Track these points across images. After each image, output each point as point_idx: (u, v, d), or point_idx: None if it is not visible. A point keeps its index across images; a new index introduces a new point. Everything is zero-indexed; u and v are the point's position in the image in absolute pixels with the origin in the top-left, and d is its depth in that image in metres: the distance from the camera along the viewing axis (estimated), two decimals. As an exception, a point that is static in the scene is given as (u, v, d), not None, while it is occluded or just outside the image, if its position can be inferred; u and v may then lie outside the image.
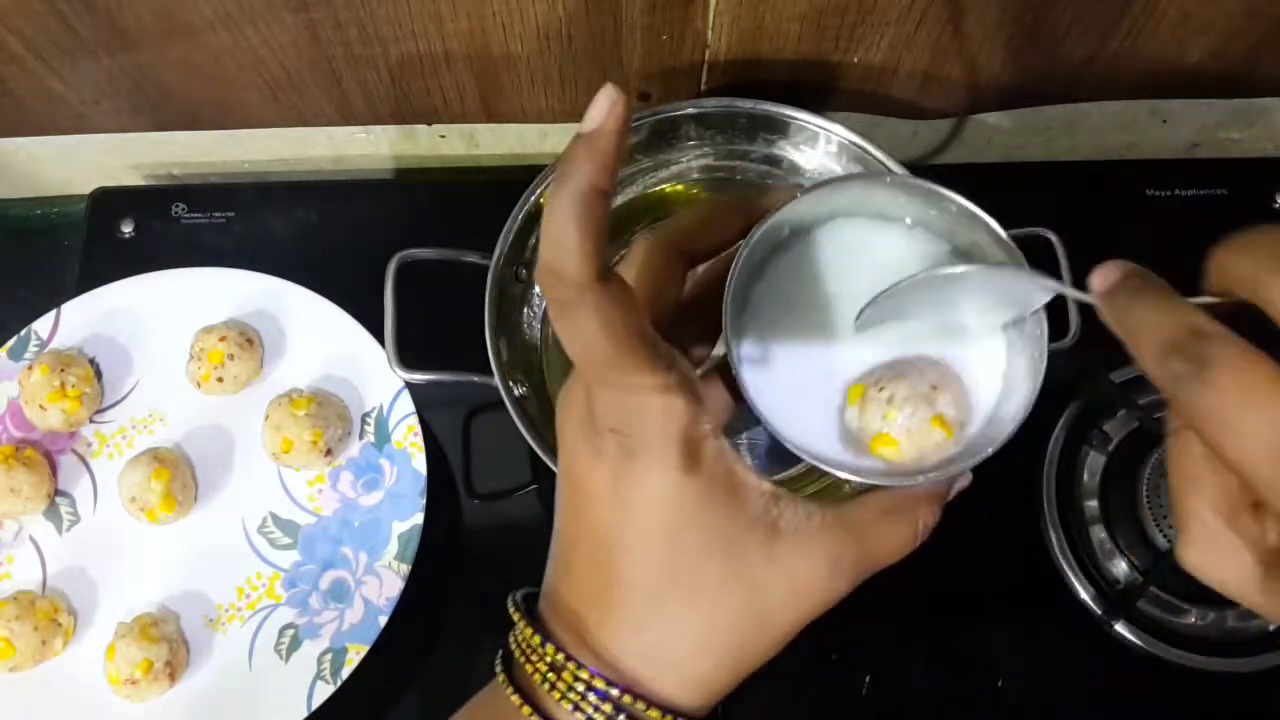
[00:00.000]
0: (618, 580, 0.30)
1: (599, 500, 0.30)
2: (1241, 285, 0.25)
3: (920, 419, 0.30)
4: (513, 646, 0.32)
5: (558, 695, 0.29)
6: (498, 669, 0.32)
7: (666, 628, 0.30)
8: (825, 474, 0.57)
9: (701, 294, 0.33)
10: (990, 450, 0.30)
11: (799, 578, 0.29)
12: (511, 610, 0.32)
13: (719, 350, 0.31)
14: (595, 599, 0.30)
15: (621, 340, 0.27)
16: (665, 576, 0.29)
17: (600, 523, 0.30)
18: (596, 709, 0.29)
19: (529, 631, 0.31)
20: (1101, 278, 0.27)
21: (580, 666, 0.29)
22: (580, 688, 0.29)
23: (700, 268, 0.34)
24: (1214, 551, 0.25)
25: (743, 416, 0.32)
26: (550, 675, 0.30)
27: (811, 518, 0.30)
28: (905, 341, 0.32)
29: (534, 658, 0.30)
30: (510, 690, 0.31)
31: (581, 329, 0.27)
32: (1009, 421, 0.31)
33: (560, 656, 0.30)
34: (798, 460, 0.58)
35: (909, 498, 0.31)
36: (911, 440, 0.30)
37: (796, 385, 0.32)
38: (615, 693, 0.29)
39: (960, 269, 0.30)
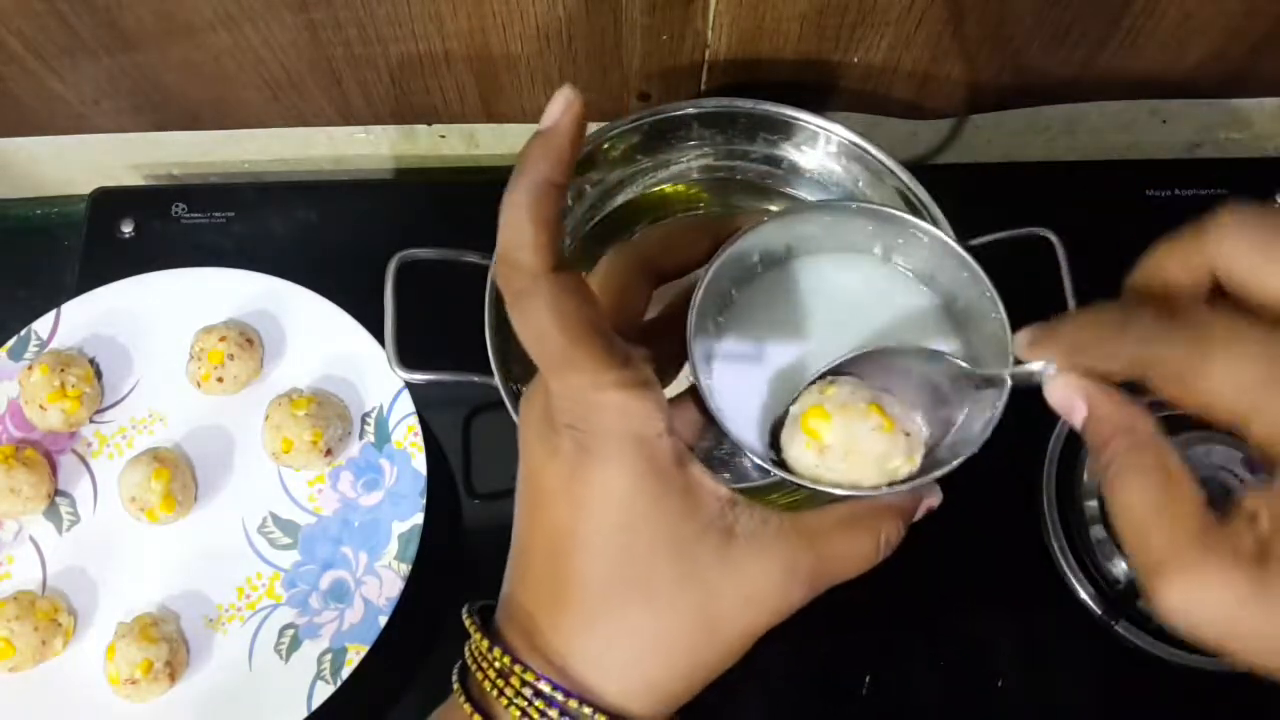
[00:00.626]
0: (569, 580, 0.29)
1: (554, 498, 0.29)
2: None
3: (858, 398, 0.30)
4: (467, 656, 0.31)
5: (505, 701, 0.29)
6: (454, 681, 0.31)
7: (615, 628, 0.29)
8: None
9: (672, 314, 0.33)
10: (955, 463, 0.30)
11: (753, 584, 0.29)
12: (465, 618, 0.32)
13: (688, 370, 0.31)
14: (548, 600, 0.30)
15: (576, 333, 0.27)
16: (616, 577, 0.29)
17: (554, 522, 0.30)
18: (543, 714, 0.28)
19: (479, 637, 0.30)
20: (1027, 333, 0.28)
21: (527, 670, 0.29)
22: (527, 693, 0.29)
23: (669, 288, 0.33)
24: (1198, 577, 0.23)
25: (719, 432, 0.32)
26: (499, 681, 0.29)
27: (768, 523, 0.29)
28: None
29: (484, 664, 0.30)
30: (463, 700, 0.30)
31: (535, 319, 0.27)
32: (975, 437, 0.30)
33: (507, 660, 0.29)
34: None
35: (872, 510, 0.30)
36: (844, 415, 0.29)
37: (761, 404, 0.32)
38: (561, 697, 0.29)
39: (907, 350, 0.31)
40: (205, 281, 0.62)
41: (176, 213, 0.66)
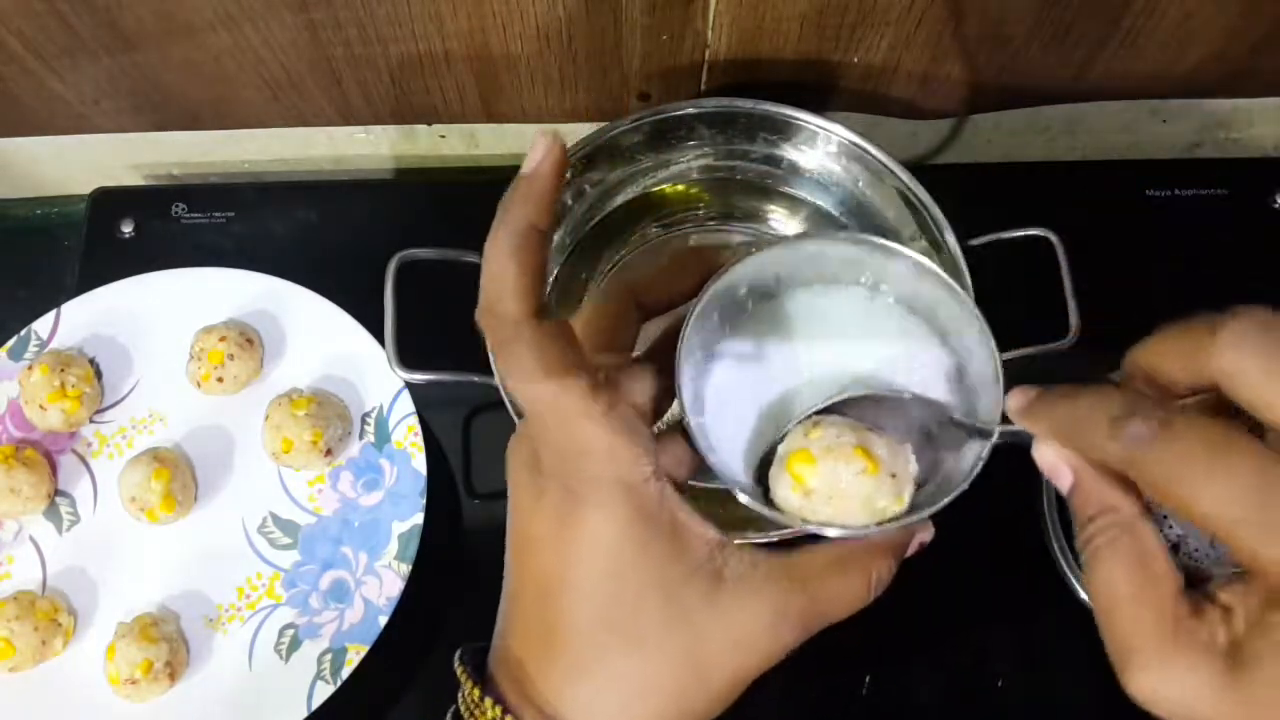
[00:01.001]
0: (558, 626, 0.29)
1: (542, 545, 0.29)
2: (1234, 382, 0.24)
3: (843, 442, 0.29)
4: (460, 704, 0.31)
5: None
6: None
7: (604, 675, 0.29)
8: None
9: (661, 349, 0.32)
10: (943, 502, 0.29)
11: (741, 627, 0.28)
12: (456, 665, 0.31)
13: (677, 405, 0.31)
14: (537, 647, 0.30)
15: (560, 380, 0.27)
16: (604, 621, 0.29)
17: (543, 568, 0.29)
18: None
19: (470, 685, 0.30)
20: (1020, 397, 0.28)
21: None
22: None
23: (659, 323, 0.33)
24: (1169, 669, 0.24)
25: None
26: None
27: (757, 566, 0.29)
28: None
29: (476, 712, 0.30)
30: None
31: (520, 366, 0.27)
32: (964, 474, 0.30)
33: (498, 710, 0.29)
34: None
35: (863, 549, 0.30)
36: (829, 459, 0.29)
37: (751, 440, 0.32)
38: None
39: (896, 395, 0.31)
40: (205, 281, 0.62)
41: (176, 213, 0.66)
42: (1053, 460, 0.27)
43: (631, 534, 0.28)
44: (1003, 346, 0.53)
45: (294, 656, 0.55)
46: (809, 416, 0.31)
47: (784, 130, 0.59)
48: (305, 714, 0.53)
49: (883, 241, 0.31)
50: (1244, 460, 0.23)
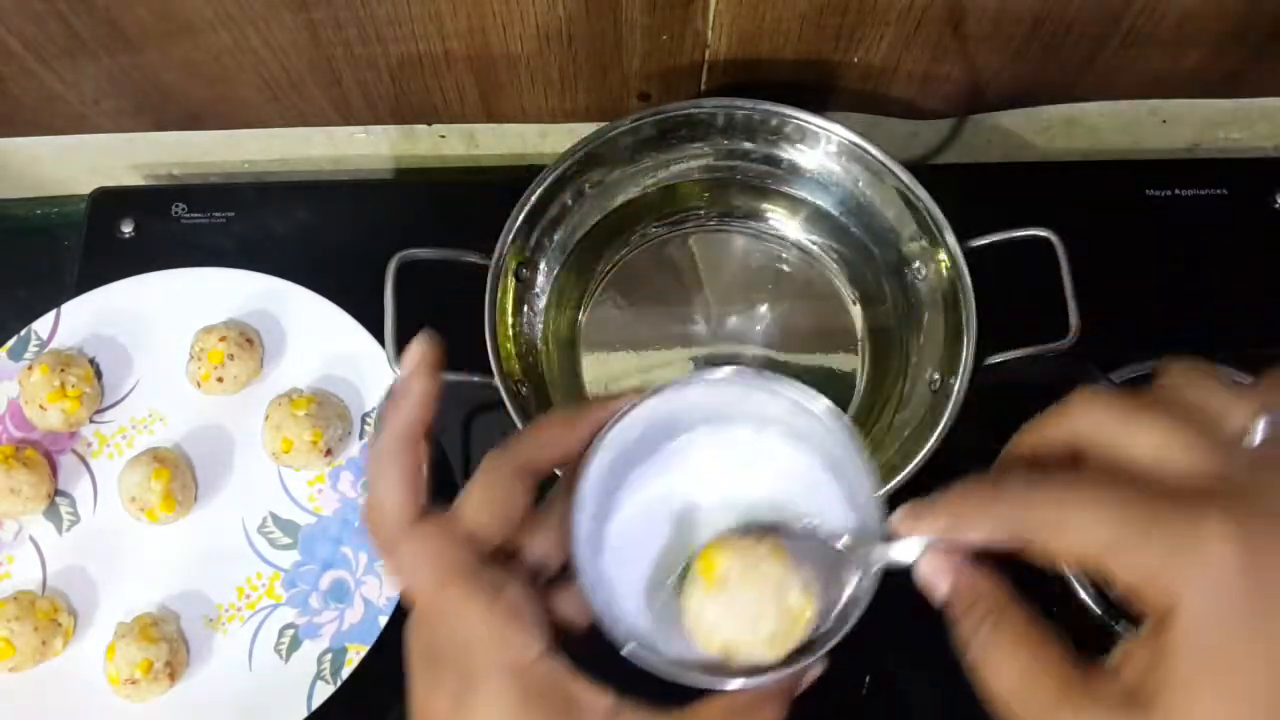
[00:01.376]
0: None
1: None
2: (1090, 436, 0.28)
3: (750, 537, 0.31)
4: None
5: None
6: None
7: None
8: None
9: (558, 503, 0.33)
10: (836, 639, 0.30)
11: None
12: None
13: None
14: None
15: (445, 576, 0.28)
16: None
17: None
18: None
19: None
20: (902, 513, 0.30)
21: None
22: None
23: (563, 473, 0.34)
24: None
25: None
26: None
27: None
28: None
29: None
30: None
31: (405, 568, 0.29)
32: (856, 606, 0.31)
33: None
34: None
35: (755, 697, 0.30)
36: (737, 551, 0.30)
37: (651, 589, 0.32)
38: None
39: (791, 527, 0.32)
40: (205, 281, 0.62)
41: (176, 213, 0.66)
42: (930, 570, 0.30)
43: (524, 716, 0.29)
44: (1003, 347, 0.54)
45: (294, 656, 0.55)
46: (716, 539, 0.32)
47: (784, 130, 0.59)
48: (305, 714, 0.53)
49: (765, 382, 0.32)
50: (1114, 500, 0.26)
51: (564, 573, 0.31)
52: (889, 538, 0.30)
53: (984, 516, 0.28)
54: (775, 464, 0.33)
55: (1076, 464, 0.29)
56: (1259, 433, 0.27)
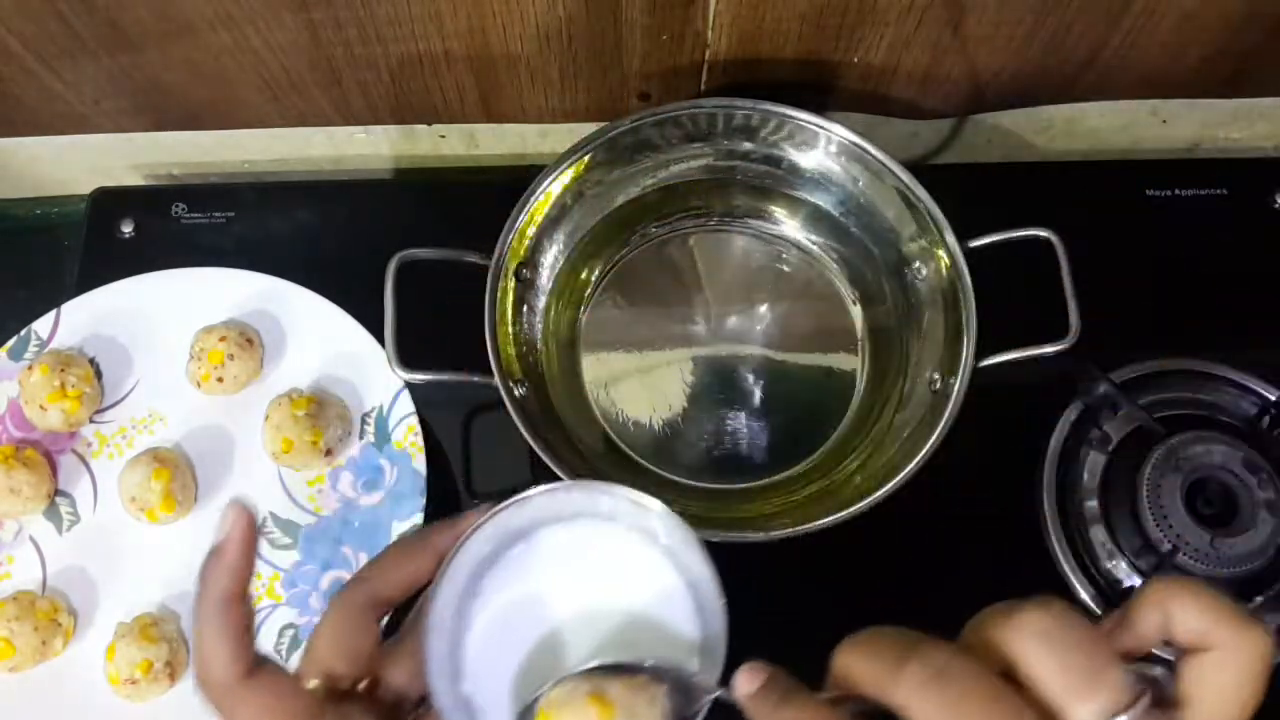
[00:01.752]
0: None
1: None
2: (864, 685, 0.27)
3: (578, 693, 0.30)
4: None
5: None
6: None
7: None
8: (822, 474, 0.58)
9: (411, 633, 0.33)
10: None
11: None
12: None
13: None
14: None
15: None
16: None
17: None
18: None
19: None
20: (747, 680, 0.29)
21: None
22: None
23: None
24: None
25: None
26: None
27: None
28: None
29: None
30: None
31: None
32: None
33: None
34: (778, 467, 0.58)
35: None
36: (565, 713, 0.30)
37: (515, 696, 0.32)
38: None
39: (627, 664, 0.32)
40: (205, 281, 0.62)
41: (176, 213, 0.66)
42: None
43: None
44: (1003, 347, 0.54)
45: (294, 656, 0.55)
46: (558, 681, 0.32)
47: (784, 130, 0.59)
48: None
49: (606, 487, 0.33)
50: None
51: (425, 701, 0.31)
52: (726, 683, 0.30)
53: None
54: (623, 565, 0.34)
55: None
56: None
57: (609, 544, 0.34)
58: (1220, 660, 0.25)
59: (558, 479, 0.49)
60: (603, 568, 0.34)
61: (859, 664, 0.27)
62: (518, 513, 0.33)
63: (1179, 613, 0.25)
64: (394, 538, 0.56)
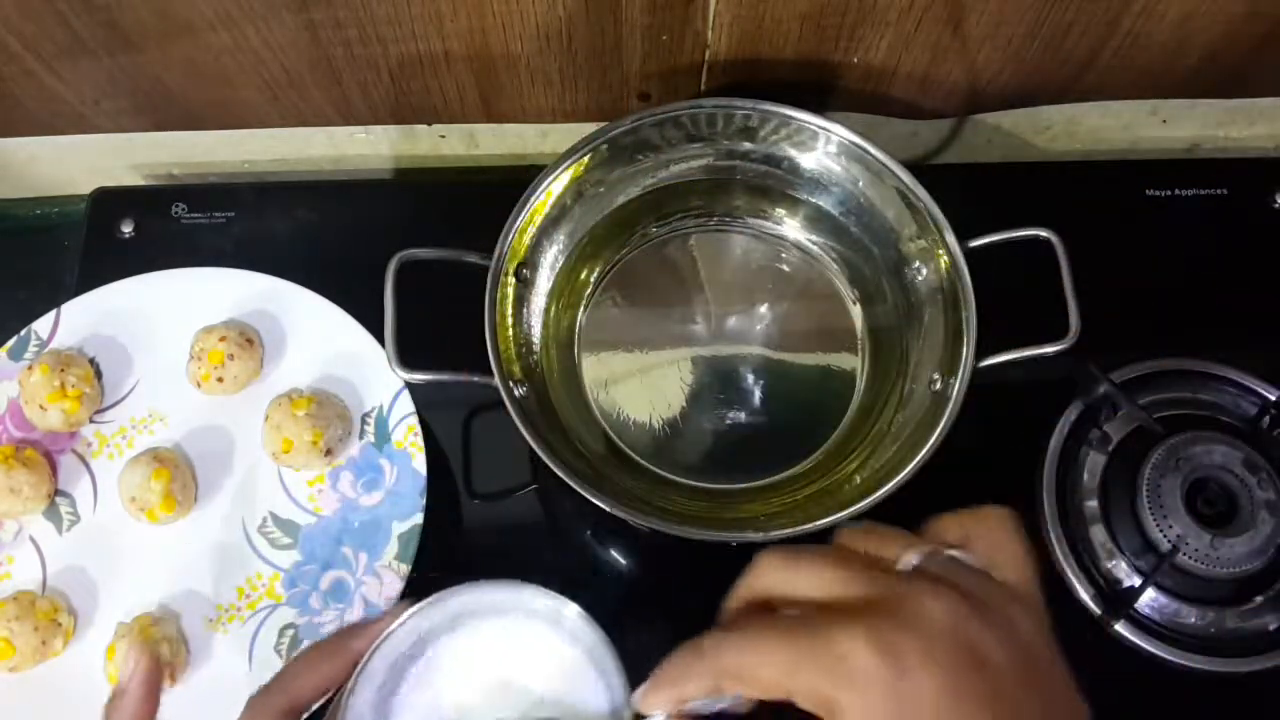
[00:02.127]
0: None
1: None
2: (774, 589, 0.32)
3: None
4: None
5: None
6: None
7: None
8: (822, 474, 0.58)
9: None
10: None
11: None
12: None
13: None
14: None
15: None
16: None
17: None
18: None
19: None
20: (638, 693, 0.32)
21: None
22: None
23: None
24: None
25: None
26: None
27: None
28: None
29: None
30: None
31: None
32: None
33: None
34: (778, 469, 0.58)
35: None
36: None
37: None
38: None
39: None
40: (205, 281, 0.62)
41: (176, 213, 0.66)
42: None
43: None
44: (1003, 347, 0.54)
45: (294, 657, 0.55)
46: None
47: (784, 130, 0.59)
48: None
49: (523, 585, 0.35)
50: (774, 631, 0.30)
51: None
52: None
53: (689, 677, 0.31)
54: (538, 654, 0.35)
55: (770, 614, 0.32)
56: (910, 562, 0.31)
57: (524, 636, 0.35)
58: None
59: (558, 479, 0.49)
60: (518, 659, 0.35)
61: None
62: (432, 614, 0.34)
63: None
64: (394, 538, 0.56)
